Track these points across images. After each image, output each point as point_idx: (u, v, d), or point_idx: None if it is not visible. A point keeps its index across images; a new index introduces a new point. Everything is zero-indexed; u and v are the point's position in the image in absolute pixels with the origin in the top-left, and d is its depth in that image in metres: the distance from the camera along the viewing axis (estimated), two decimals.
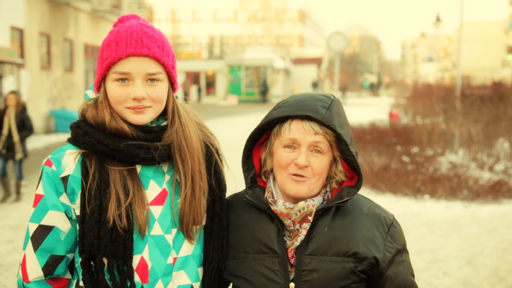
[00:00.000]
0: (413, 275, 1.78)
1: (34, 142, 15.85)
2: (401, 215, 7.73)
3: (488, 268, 5.81)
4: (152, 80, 1.65)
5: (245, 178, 1.79)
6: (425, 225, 7.53)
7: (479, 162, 11.16)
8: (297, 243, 1.69)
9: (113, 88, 1.64)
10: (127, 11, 26.40)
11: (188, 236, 1.69)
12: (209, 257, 1.74)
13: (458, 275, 5.63)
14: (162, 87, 1.67)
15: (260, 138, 1.80)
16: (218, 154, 1.83)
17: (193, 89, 42.63)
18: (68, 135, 1.74)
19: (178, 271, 1.68)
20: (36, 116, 18.07)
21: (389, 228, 1.74)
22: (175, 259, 1.67)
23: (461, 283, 5.43)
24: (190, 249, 1.71)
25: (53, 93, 19.45)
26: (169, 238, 1.67)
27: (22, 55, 16.90)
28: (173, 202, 1.69)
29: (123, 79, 1.63)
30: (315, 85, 45.01)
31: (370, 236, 1.70)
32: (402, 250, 1.76)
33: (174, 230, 1.68)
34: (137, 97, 1.62)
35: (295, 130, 1.67)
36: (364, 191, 9.11)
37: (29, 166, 12.10)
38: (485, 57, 64.90)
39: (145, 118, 1.66)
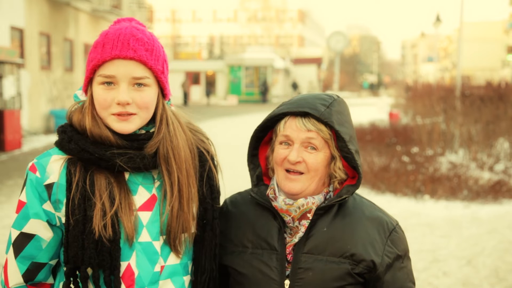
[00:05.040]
0: (413, 283, 1.76)
1: (34, 142, 15.84)
2: (401, 215, 7.73)
3: (488, 268, 5.81)
4: (139, 84, 1.58)
5: (251, 176, 1.80)
6: (425, 225, 7.53)
7: (479, 162, 11.16)
8: (296, 240, 1.69)
9: (98, 92, 1.58)
10: (127, 11, 26.40)
11: (175, 249, 1.64)
12: (201, 267, 1.70)
13: (458, 275, 5.63)
14: (149, 93, 1.60)
15: (265, 136, 1.81)
16: (213, 160, 1.77)
17: (196, 90, 42.61)
18: None
19: (165, 279, 1.63)
20: (36, 116, 18.07)
21: (391, 233, 1.72)
22: (162, 267, 1.63)
23: (461, 283, 5.43)
24: (178, 258, 1.66)
25: (53, 93, 19.44)
26: (157, 245, 1.62)
27: (22, 55, 16.89)
28: (162, 208, 1.63)
29: (108, 83, 1.57)
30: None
31: (369, 239, 1.69)
32: (403, 256, 1.73)
33: (163, 237, 1.63)
34: (120, 101, 1.55)
35: (288, 127, 1.69)
36: (364, 191, 9.11)
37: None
38: (485, 57, 64.90)
39: (130, 126, 1.59)
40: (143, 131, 1.65)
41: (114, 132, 1.59)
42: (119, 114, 1.58)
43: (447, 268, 5.84)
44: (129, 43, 1.57)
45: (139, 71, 1.58)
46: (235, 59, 43.86)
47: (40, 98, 18.42)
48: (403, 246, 1.75)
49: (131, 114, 1.58)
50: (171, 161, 1.63)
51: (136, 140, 1.61)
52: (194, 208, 1.68)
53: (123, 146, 1.59)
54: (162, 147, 1.63)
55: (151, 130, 1.65)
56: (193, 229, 1.68)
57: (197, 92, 43.20)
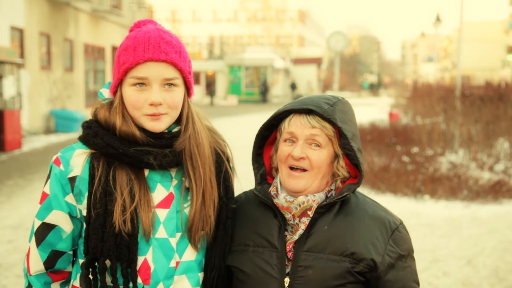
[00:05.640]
0: (417, 283, 1.76)
1: (34, 142, 15.84)
2: (401, 215, 7.70)
3: (488, 268, 5.81)
4: (169, 85, 1.66)
5: (255, 175, 1.83)
6: (425, 225, 7.53)
7: (479, 162, 11.16)
8: (296, 237, 1.71)
9: (130, 93, 1.65)
10: (127, 11, 26.40)
11: (194, 244, 1.70)
12: (211, 264, 1.75)
13: (458, 275, 5.63)
14: (178, 93, 1.68)
15: (269, 135, 1.84)
16: (229, 162, 1.83)
17: (196, 90, 42.56)
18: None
19: (180, 275, 1.69)
20: (36, 116, 18.07)
21: (393, 232, 1.72)
22: (177, 263, 1.69)
23: (461, 283, 5.43)
24: (193, 254, 1.72)
25: (53, 93, 19.44)
26: (173, 241, 1.68)
27: (22, 55, 16.90)
28: (181, 206, 1.70)
29: (140, 84, 1.64)
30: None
31: (370, 238, 1.69)
32: (406, 256, 1.73)
33: (179, 234, 1.70)
34: (154, 102, 1.62)
35: (293, 124, 1.72)
36: (364, 191, 9.11)
37: (29, 166, 12.11)
38: (485, 57, 64.92)
39: (161, 125, 1.66)
40: (166, 131, 1.71)
41: (141, 131, 1.66)
42: (152, 115, 1.64)
43: (447, 268, 5.84)
44: (160, 46, 1.64)
45: (170, 72, 1.65)
46: (235, 59, 43.88)
47: (40, 98, 18.42)
48: (406, 246, 1.74)
49: (163, 114, 1.65)
50: (196, 157, 1.71)
51: (160, 139, 1.67)
52: (213, 208, 1.74)
53: (147, 144, 1.65)
54: (188, 144, 1.70)
55: (174, 130, 1.72)
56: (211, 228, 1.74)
57: (197, 92, 43.22)
